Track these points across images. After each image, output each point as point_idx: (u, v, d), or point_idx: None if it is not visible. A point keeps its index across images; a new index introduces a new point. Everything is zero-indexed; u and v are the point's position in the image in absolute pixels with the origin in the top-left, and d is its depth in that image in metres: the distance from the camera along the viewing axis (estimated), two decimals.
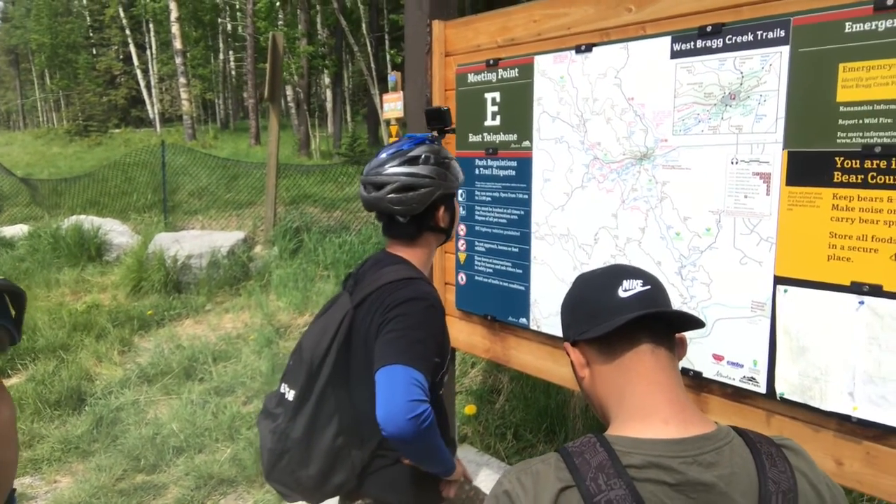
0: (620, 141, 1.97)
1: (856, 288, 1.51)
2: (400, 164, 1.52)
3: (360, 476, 1.54)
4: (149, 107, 32.42)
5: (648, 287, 0.94)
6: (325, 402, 1.51)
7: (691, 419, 0.88)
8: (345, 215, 8.33)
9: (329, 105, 22.71)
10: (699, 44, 1.75)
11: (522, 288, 2.36)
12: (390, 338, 1.39)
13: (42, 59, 38.31)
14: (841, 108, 1.49)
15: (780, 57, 1.59)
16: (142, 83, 32.96)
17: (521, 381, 3.78)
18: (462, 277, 2.62)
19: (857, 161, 1.48)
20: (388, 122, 6.64)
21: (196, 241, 6.81)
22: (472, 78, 2.48)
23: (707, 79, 1.74)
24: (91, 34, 38.77)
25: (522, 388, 3.75)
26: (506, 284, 2.43)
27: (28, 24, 40.99)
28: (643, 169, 1.92)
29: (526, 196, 2.31)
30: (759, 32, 1.63)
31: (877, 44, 1.43)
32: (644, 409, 0.89)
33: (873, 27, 1.44)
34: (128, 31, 32.85)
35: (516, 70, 2.30)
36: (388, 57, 20.18)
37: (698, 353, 1.82)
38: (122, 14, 32.23)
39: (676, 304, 1.86)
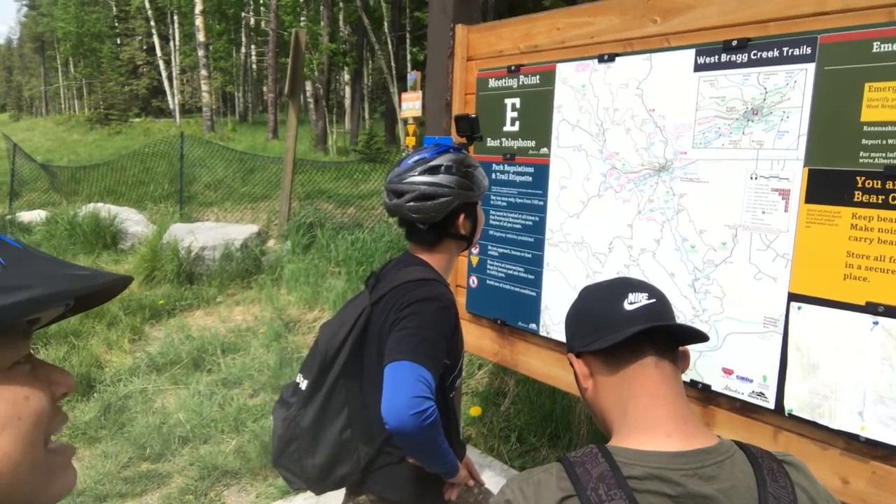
0: (639, 151, 1.97)
1: (871, 308, 1.50)
2: (421, 174, 1.54)
3: (365, 471, 1.56)
4: (169, 97, 32.73)
5: (654, 300, 0.95)
6: (336, 394, 1.54)
7: (694, 432, 0.88)
8: (358, 212, 8.35)
9: (347, 102, 22.81)
10: (724, 58, 1.75)
11: (534, 294, 2.36)
12: (400, 335, 1.42)
13: (67, 46, 38.86)
14: (865, 128, 1.48)
15: (805, 74, 1.58)
16: (164, 74, 33.26)
17: (527, 385, 3.78)
18: (474, 281, 2.63)
19: (879, 181, 1.47)
20: (405, 121, 6.64)
21: (210, 233, 6.86)
22: (492, 83, 2.49)
23: (730, 93, 1.74)
24: (116, 24, 39.21)
25: (528, 392, 3.75)
26: (517, 290, 2.43)
27: (55, 13, 41.66)
28: (661, 180, 1.91)
29: (541, 202, 2.31)
30: (785, 49, 1.62)
31: None
32: (647, 421, 0.89)
33: None
34: (152, 23, 33.23)
35: (538, 77, 2.30)
36: (408, 55, 20.24)
37: (708, 366, 1.82)
38: (147, 5, 32.58)
39: (689, 316, 1.86)
